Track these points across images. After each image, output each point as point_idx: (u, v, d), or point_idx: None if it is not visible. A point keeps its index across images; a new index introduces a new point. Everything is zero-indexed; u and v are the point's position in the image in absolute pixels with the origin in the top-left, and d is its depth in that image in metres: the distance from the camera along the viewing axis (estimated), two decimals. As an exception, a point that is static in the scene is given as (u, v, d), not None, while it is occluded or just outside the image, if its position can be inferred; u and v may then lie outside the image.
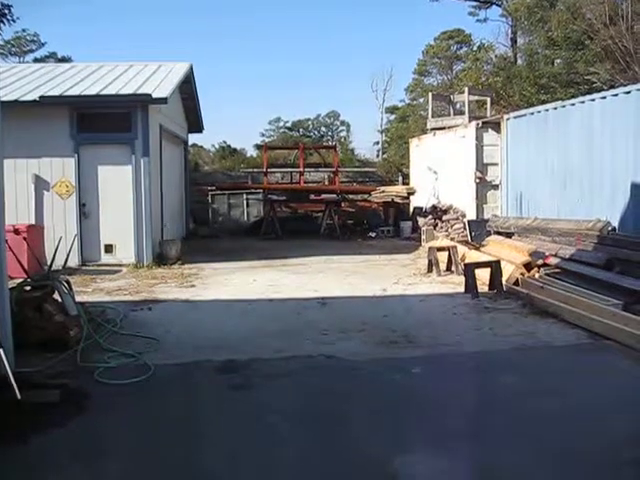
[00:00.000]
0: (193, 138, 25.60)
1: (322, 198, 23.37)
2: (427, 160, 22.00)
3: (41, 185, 14.53)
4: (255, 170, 28.80)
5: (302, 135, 57.65)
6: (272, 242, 20.09)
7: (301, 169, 25.78)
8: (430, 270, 13.25)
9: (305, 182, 26.41)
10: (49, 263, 9.11)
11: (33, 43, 46.45)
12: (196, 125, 22.98)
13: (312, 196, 24.05)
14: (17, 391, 5.60)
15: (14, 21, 24.66)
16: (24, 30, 44.08)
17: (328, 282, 12.56)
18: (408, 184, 25.06)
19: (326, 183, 28.15)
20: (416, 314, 9.69)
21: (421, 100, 41.78)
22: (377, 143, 51.73)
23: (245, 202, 24.77)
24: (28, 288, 8.27)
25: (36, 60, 41.90)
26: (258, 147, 44.58)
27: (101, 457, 4.90)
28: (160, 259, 14.93)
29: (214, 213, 24.74)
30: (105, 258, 14.75)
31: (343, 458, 4.85)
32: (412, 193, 23.25)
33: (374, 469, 4.68)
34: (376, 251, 17.51)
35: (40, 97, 14.37)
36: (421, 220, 20.12)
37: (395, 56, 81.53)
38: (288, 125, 59.66)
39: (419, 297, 10.95)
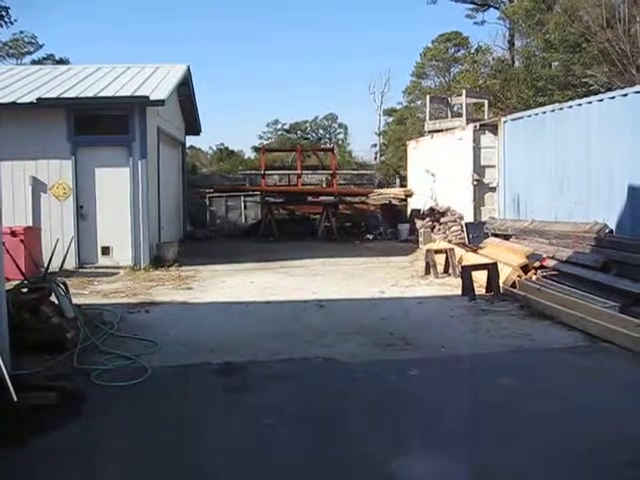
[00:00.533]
0: (191, 140, 25.58)
1: (320, 200, 23.39)
2: (425, 162, 22.01)
3: (38, 187, 14.51)
4: (253, 172, 28.83)
5: (300, 137, 57.60)
6: (270, 244, 20.09)
7: (299, 171, 25.79)
8: (428, 272, 13.26)
9: (303, 184, 26.43)
10: (46, 265, 9.10)
11: (31, 45, 46.42)
12: (194, 127, 22.97)
13: (310, 198, 24.07)
14: (14, 393, 5.60)
15: (12, 23, 24.72)
16: (22, 32, 44.10)
17: (326, 284, 12.56)
18: (406, 186, 25.08)
19: (324, 185, 28.18)
20: (414, 316, 9.70)
21: (419, 102, 41.79)
22: (375, 145, 51.73)
23: (243, 204, 24.73)
24: (25, 290, 8.26)
25: (34, 62, 41.85)
26: (256, 149, 44.61)
27: (98, 460, 4.89)
28: (157, 261, 14.92)
29: (212, 215, 24.72)
30: (102, 260, 14.74)
31: (340, 460, 4.84)
32: (409, 195, 23.27)
33: (372, 471, 4.67)
34: (374, 253, 17.51)
35: (37, 99, 14.34)
36: (419, 222, 20.11)
37: (393, 58, 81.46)
38: (286, 127, 59.63)
39: (417, 299, 10.95)
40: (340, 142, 56.58)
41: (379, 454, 4.90)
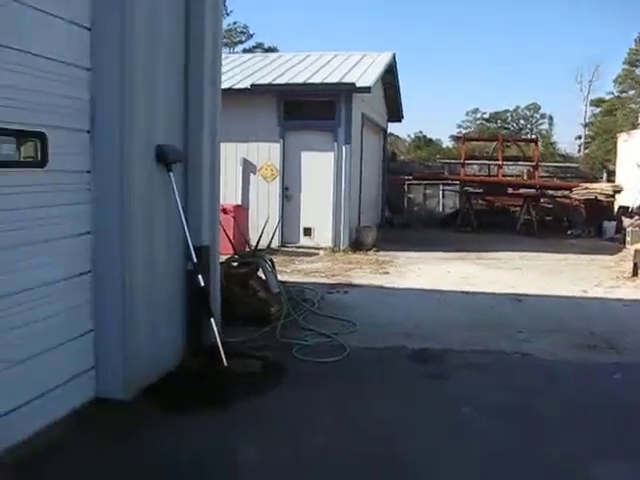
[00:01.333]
0: (389, 127, 25.68)
1: (520, 192, 22.76)
2: (637, 157, 20.72)
3: (248, 168, 15.35)
4: (452, 161, 28.53)
5: (500, 127, 56.28)
6: (467, 235, 19.89)
7: (499, 162, 25.21)
8: (635, 274, 12.49)
9: (503, 175, 25.81)
10: (256, 242, 9.60)
11: (242, 34, 48.94)
12: (396, 114, 23.08)
13: (510, 190, 23.48)
14: (225, 359, 6.01)
15: (227, 14, 26.17)
16: (235, 22, 46.59)
17: (524, 279, 12.24)
18: (613, 181, 23.79)
19: (524, 177, 27.34)
20: (618, 319, 9.18)
21: (631, 92, 39.36)
22: (579, 137, 49.37)
23: (441, 193, 24.67)
24: (235, 264, 8.79)
25: (245, 50, 44.13)
26: (455, 138, 44.14)
27: (296, 427, 5.13)
28: (356, 245, 15.28)
29: (409, 202, 24.85)
30: (303, 240, 15.34)
31: (534, 457, 4.74)
32: (618, 191, 22.04)
33: (568, 471, 4.54)
34: (575, 250, 16.78)
35: (251, 85, 15.15)
36: (626, 220, 19.02)
37: (603, 44, 76.99)
38: (485, 117, 58.53)
39: (622, 302, 10.37)
40: (544, 132, 54.58)
41: (575, 456, 4.73)
